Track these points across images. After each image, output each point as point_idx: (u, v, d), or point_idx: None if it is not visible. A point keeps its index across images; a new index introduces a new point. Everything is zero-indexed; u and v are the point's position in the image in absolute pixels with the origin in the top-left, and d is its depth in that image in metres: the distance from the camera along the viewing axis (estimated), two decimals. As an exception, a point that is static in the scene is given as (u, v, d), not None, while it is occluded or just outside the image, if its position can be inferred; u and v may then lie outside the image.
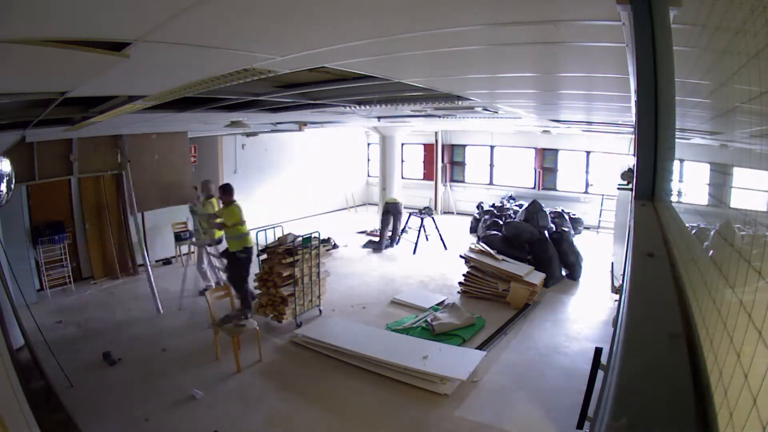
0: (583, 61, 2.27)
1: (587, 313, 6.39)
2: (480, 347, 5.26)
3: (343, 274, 7.91)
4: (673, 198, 1.31)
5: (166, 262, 8.85)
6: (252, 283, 6.09)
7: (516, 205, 10.77)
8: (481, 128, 11.77)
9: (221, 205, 6.39)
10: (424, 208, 10.30)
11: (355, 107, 5.03)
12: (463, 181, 13.57)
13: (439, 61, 2.36)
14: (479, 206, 11.37)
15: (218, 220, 6.24)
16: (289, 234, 5.96)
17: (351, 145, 14.35)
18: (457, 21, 1.57)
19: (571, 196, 11.67)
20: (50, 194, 7.24)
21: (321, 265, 6.16)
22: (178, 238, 8.79)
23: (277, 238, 5.94)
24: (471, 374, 4.54)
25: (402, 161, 13.58)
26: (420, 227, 9.91)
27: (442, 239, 9.77)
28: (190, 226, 9.16)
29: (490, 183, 13.10)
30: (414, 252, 9.43)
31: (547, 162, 12.15)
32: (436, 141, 13.39)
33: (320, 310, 6.23)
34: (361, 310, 6.49)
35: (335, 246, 8.95)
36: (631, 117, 3.30)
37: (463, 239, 10.27)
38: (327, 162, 13.36)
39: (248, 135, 10.14)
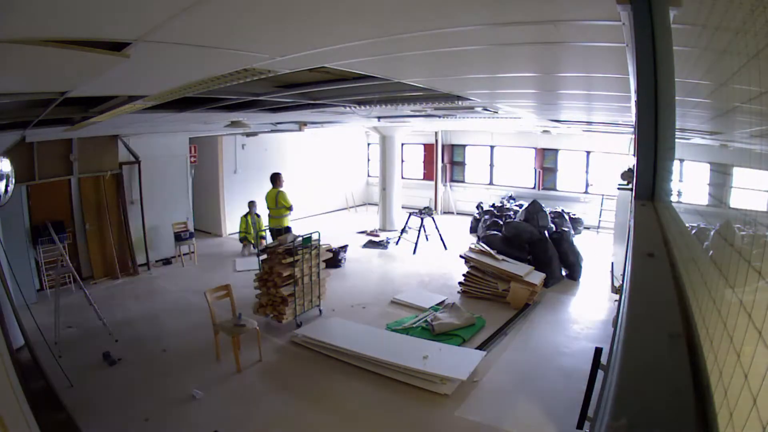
0: (583, 61, 2.27)
1: (587, 313, 6.40)
2: (480, 347, 5.26)
3: (342, 274, 7.91)
4: (673, 198, 1.31)
5: (166, 262, 8.85)
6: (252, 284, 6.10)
7: (516, 205, 10.77)
8: (481, 128, 11.78)
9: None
10: (424, 208, 10.30)
11: (355, 107, 5.03)
12: (463, 181, 13.57)
13: (439, 61, 2.36)
14: (479, 206, 11.37)
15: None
16: (289, 234, 5.96)
17: (351, 145, 14.36)
18: (457, 21, 1.57)
19: (571, 196, 11.67)
20: (50, 194, 7.25)
21: (321, 265, 6.16)
22: (178, 238, 8.79)
23: (276, 238, 5.94)
24: (471, 374, 4.54)
25: (402, 161, 13.58)
26: (420, 227, 9.91)
27: (442, 239, 9.77)
28: (190, 227, 9.18)
29: (490, 183, 13.10)
30: (414, 252, 9.43)
31: (547, 162, 12.15)
32: (436, 141, 13.40)
33: (320, 310, 6.23)
34: (361, 310, 6.49)
35: (338, 253, 8.43)
36: (631, 117, 3.30)
37: (463, 239, 10.27)
38: (327, 162, 13.36)
39: (248, 135, 10.15)
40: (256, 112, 5.32)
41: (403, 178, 12.96)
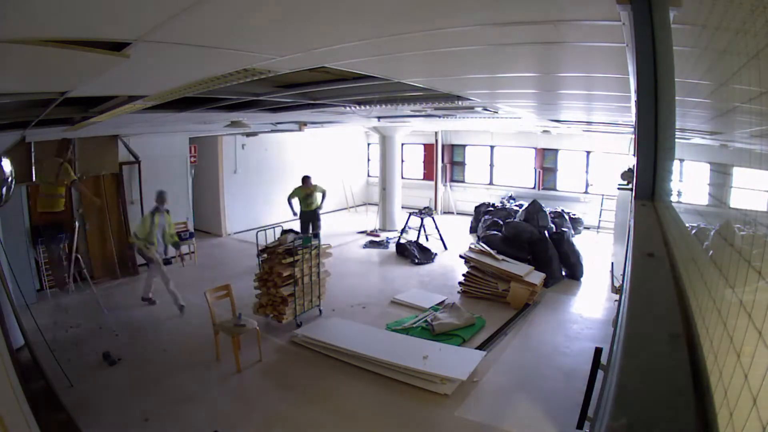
0: (583, 61, 2.27)
1: (587, 313, 6.40)
2: (480, 347, 5.26)
3: (343, 274, 7.91)
4: (673, 198, 1.31)
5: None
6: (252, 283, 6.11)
7: (516, 205, 10.77)
8: (481, 128, 11.78)
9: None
10: (424, 208, 10.30)
11: (355, 107, 5.03)
12: (463, 181, 13.57)
13: (439, 61, 2.36)
14: (477, 209, 11.33)
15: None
16: (289, 234, 5.95)
17: (351, 145, 14.35)
18: (457, 21, 1.57)
19: (571, 196, 11.67)
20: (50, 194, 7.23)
21: (321, 266, 6.16)
22: (179, 238, 8.78)
23: (276, 238, 5.94)
24: (471, 374, 4.54)
25: (402, 161, 13.58)
26: (420, 227, 9.91)
27: (442, 239, 9.77)
28: (190, 227, 9.17)
29: (490, 183, 13.10)
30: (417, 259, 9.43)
31: (547, 162, 12.16)
32: (436, 141, 13.40)
33: (320, 310, 6.23)
34: (361, 310, 6.49)
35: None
36: (631, 117, 3.30)
37: (463, 239, 10.27)
38: (327, 162, 13.36)
39: (248, 135, 10.14)
40: (256, 112, 5.32)
41: (403, 178, 12.96)
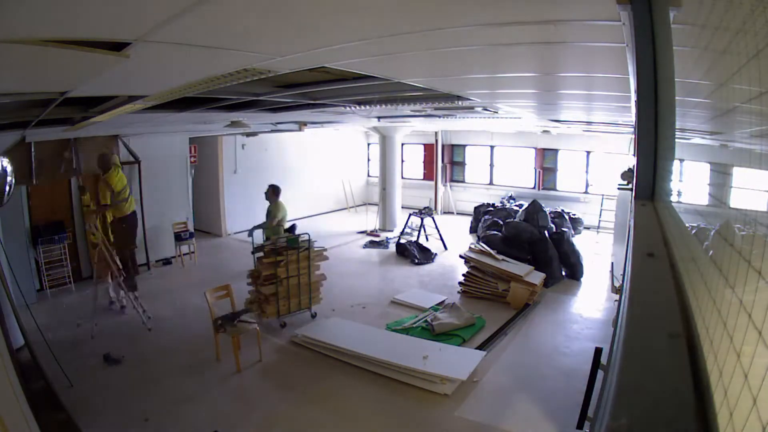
0: (583, 61, 2.27)
1: (587, 313, 6.40)
2: (480, 347, 5.26)
3: (343, 274, 7.90)
4: (673, 198, 1.31)
5: (166, 262, 8.85)
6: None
7: (516, 205, 10.77)
8: (481, 128, 11.78)
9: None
10: (424, 208, 10.30)
11: (355, 107, 5.03)
12: (463, 181, 13.57)
13: (439, 61, 2.36)
14: (477, 209, 11.32)
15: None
16: (281, 234, 5.97)
17: (351, 145, 14.36)
18: (457, 21, 1.57)
19: (571, 196, 11.67)
20: (50, 194, 7.24)
21: (315, 268, 6.11)
22: (179, 238, 8.79)
23: (270, 238, 5.94)
24: (471, 374, 4.54)
25: (402, 161, 13.58)
26: (420, 227, 9.91)
27: (442, 239, 9.77)
28: (190, 227, 9.17)
29: (490, 183, 13.10)
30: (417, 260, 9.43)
31: (547, 162, 12.16)
32: (436, 141, 13.40)
33: (313, 314, 6.11)
34: (361, 310, 6.49)
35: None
36: (631, 117, 3.30)
37: (463, 239, 10.27)
38: (327, 162, 13.36)
39: (248, 135, 10.14)
40: (256, 112, 5.32)
41: (403, 178, 12.96)
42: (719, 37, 0.71)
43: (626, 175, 7.17)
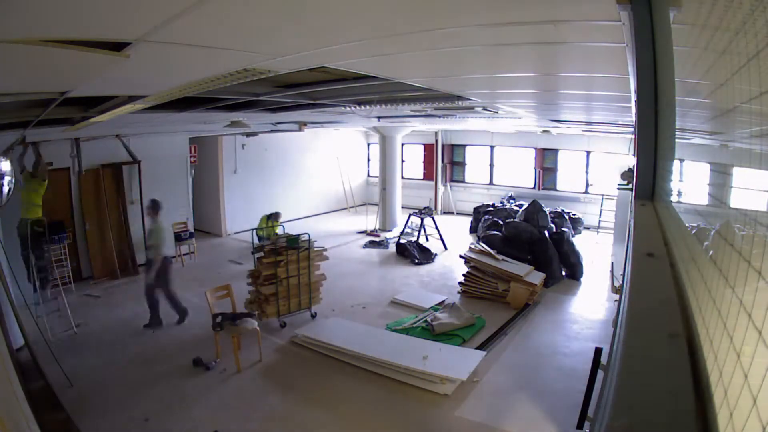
0: (583, 61, 2.27)
1: (587, 313, 6.40)
2: (480, 347, 5.26)
3: (343, 274, 7.91)
4: (673, 198, 1.31)
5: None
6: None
7: (516, 205, 10.77)
8: (481, 128, 11.78)
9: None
10: (424, 208, 10.30)
11: (355, 107, 5.03)
12: (463, 181, 13.58)
13: (439, 61, 2.36)
14: (477, 210, 11.32)
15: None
16: (282, 234, 5.97)
17: (351, 145, 14.36)
18: (457, 21, 1.57)
19: (571, 196, 11.68)
20: (50, 194, 7.24)
21: (315, 268, 6.11)
22: (178, 238, 8.79)
23: (269, 238, 5.95)
24: (471, 374, 4.54)
25: (402, 161, 13.59)
26: (420, 227, 9.91)
27: (442, 239, 9.77)
28: (190, 227, 9.17)
29: (490, 183, 13.11)
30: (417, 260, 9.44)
31: (547, 162, 12.16)
32: (436, 141, 13.40)
33: (313, 314, 6.13)
34: (361, 310, 6.49)
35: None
36: (631, 117, 3.30)
37: (463, 239, 10.27)
38: (327, 162, 13.36)
39: (248, 135, 10.15)
40: (256, 112, 5.32)
41: (403, 178, 12.96)
42: (719, 37, 0.71)
43: (626, 175, 7.18)
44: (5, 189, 4.93)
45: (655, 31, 1.24)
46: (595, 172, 11.52)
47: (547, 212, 8.57)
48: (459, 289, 7.10)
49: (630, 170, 6.92)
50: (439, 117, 6.79)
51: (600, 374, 1.59)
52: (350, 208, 14.04)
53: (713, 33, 0.75)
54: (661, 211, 1.35)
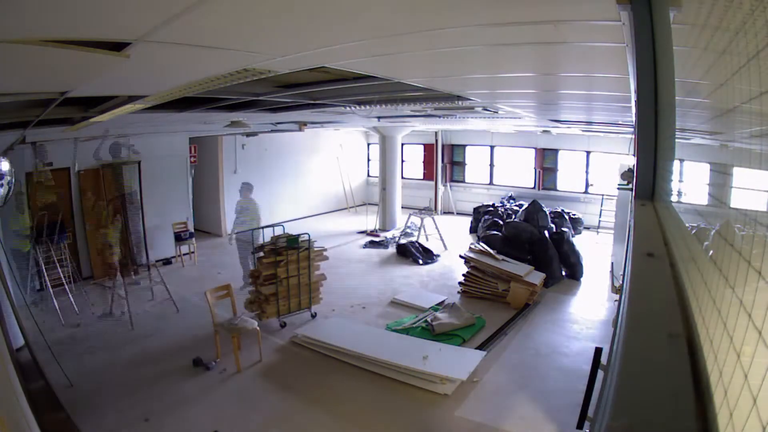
0: (583, 61, 2.27)
1: (587, 313, 6.40)
2: (480, 347, 5.26)
3: (343, 274, 7.91)
4: (673, 198, 1.31)
5: (166, 262, 8.86)
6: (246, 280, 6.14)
7: (516, 205, 10.77)
8: (481, 128, 11.79)
9: None
10: (424, 208, 10.30)
11: (355, 107, 5.03)
12: (463, 181, 13.57)
13: (439, 61, 2.36)
14: (477, 210, 11.32)
15: None
16: (281, 234, 5.97)
17: (351, 145, 14.36)
18: (457, 21, 1.57)
19: (571, 196, 11.67)
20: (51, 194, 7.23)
21: (315, 268, 6.11)
22: (178, 238, 8.79)
23: (270, 238, 5.95)
24: (471, 374, 4.54)
25: (402, 161, 13.59)
26: (420, 227, 9.91)
27: (442, 239, 9.77)
28: (190, 227, 9.16)
29: (490, 183, 13.11)
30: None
31: (547, 162, 12.16)
32: (436, 141, 13.40)
33: (313, 314, 6.13)
34: (361, 310, 6.49)
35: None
36: (631, 117, 3.30)
37: (463, 239, 10.27)
38: (327, 162, 13.36)
39: (248, 135, 10.15)
40: (256, 112, 5.32)
41: (403, 178, 12.96)
42: (719, 37, 0.71)
43: (626, 175, 7.16)
44: (5, 189, 4.93)
45: (655, 31, 1.24)
46: (595, 172, 11.52)
47: (547, 212, 8.57)
48: (459, 289, 7.10)
49: (630, 170, 6.92)
50: (439, 117, 6.79)
51: (600, 374, 1.59)
52: (350, 208, 14.04)
53: (713, 33, 0.75)
54: (661, 211, 1.35)
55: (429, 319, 5.83)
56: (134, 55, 1.66)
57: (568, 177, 11.96)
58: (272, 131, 9.27)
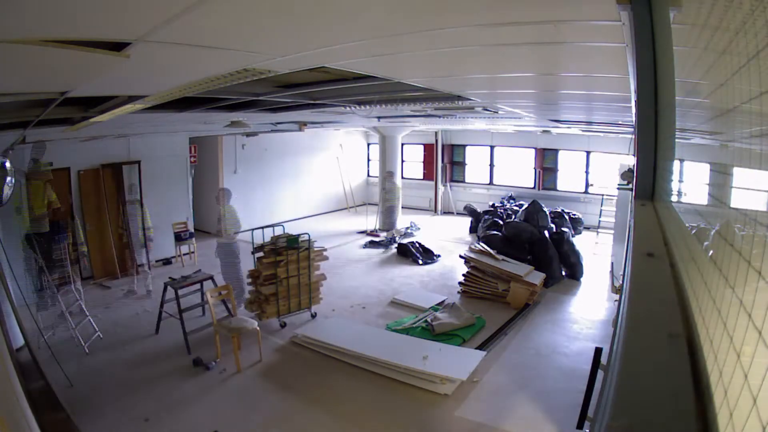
0: (583, 61, 2.27)
1: (587, 313, 6.40)
2: (480, 347, 5.26)
3: (343, 274, 7.91)
4: (673, 198, 1.31)
5: (166, 262, 8.86)
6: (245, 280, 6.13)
7: (516, 205, 10.77)
8: (481, 128, 11.79)
9: None
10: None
11: (355, 107, 5.03)
12: (463, 181, 13.58)
13: (439, 61, 2.36)
14: (466, 207, 11.35)
15: None
16: (281, 234, 5.98)
17: (351, 145, 14.36)
18: (457, 21, 1.57)
19: (571, 196, 11.67)
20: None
21: (315, 268, 6.11)
22: (178, 238, 8.79)
23: (270, 238, 5.95)
24: (471, 374, 4.54)
25: (402, 161, 13.59)
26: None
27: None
28: (190, 227, 9.16)
29: (490, 183, 13.11)
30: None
31: (547, 162, 12.16)
32: (436, 141, 13.40)
33: (313, 314, 6.13)
34: (361, 310, 6.49)
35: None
36: (631, 117, 3.30)
37: (463, 239, 10.27)
38: (327, 162, 13.36)
39: (248, 135, 10.15)
40: (256, 112, 5.32)
41: (403, 178, 12.97)
42: (719, 37, 0.71)
43: (626, 175, 7.16)
44: (5, 189, 4.92)
45: (655, 31, 1.24)
46: (595, 172, 11.52)
47: (547, 212, 8.57)
48: (459, 289, 7.10)
49: (630, 170, 6.92)
50: (439, 117, 6.79)
51: (600, 374, 1.59)
52: (350, 208, 14.04)
53: (713, 33, 0.75)
54: (661, 211, 1.35)
55: (429, 319, 5.83)
56: (134, 55, 1.66)
57: (568, 177, 11.96)
58: (272, 131, 9.27)
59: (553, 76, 2.88)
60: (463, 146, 13.43)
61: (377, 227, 11.46)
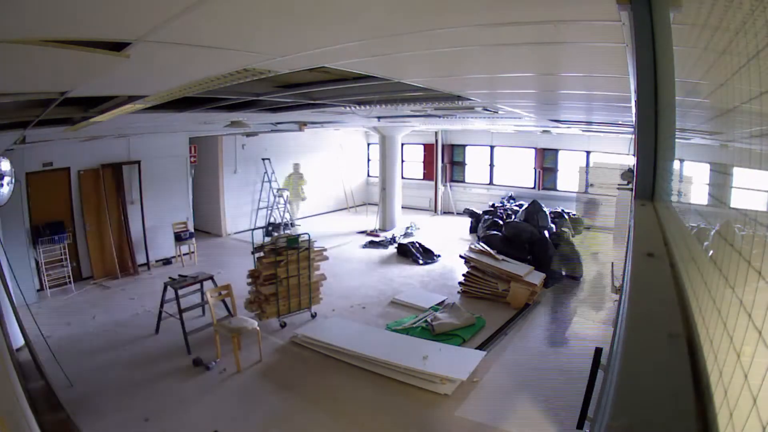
0: (583, 61, 2.27)
1: (587, 313, 6.39)
2: (480, 347, 5.26)
3: (343, 274, 7.90)
4: (673, 198, 1.31)
5: (166, 262, 8.86)
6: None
7: (516, 205, 10.77)
8: (481, 128, 11.78)
9: None
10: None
11: (355, 107, 5.03)
12: (463, 181, 13.57)
13: (439, 61, 2.36)
14: (466, 210, 11.36)
15: None
16: (281, 234, 5.98)
17: (351, 145, 14.36)
18: (457, 21, 1.57)
19: (571, 196, 11.67)
20: (50, 194, 7.24)
21: (315, 268, 6.11)
22: (178, 238, 8.79)
23: (270, 238, 5.95)
24: (471, 374, 4.54)
25: (402, 161, 13.59)
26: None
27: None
28: (190, 227, 9.16)
29: (490, 183, 13.10)
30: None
31: (547, 162, 12.16)
32: (436, 141, 13.40)
33: (313, 314, 6.14)
34: (361, 310, 6.49)
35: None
36: (631, 117, 3.30)
37: (462, 239, 10.27)
38: (327, 162, 13.35)
39: (248, 135, 10.15)
40: (256, 112, 5.31)
41: (403, 178, 12.96)
42: (719, 37, 0.71)
43: (626, 175, 7.16)
44: (5, 189, 4.92)
45: (655, 31, 1.24)
46: (595, 172, 11.50)
47: (547, 212, 8.57)
48: (459, 289, 7.10)
49: (630, 170, 6.91)
50: (439, 117, 6.78)
51: (600, 374, 1.59)
52: (350, 208, 14.04)
53: (713, 33, 0.75)
54: (661, 211, 1.35)
55: (429, 319, 5.83)
56: (134, 55, 1.66)
57: (568, 177, 11.95)
58: (272, 131, 9.27)
59: (553, 76, 2.88)
60: (463, 146, 13.43)
61: (377, 227, 11.45)
